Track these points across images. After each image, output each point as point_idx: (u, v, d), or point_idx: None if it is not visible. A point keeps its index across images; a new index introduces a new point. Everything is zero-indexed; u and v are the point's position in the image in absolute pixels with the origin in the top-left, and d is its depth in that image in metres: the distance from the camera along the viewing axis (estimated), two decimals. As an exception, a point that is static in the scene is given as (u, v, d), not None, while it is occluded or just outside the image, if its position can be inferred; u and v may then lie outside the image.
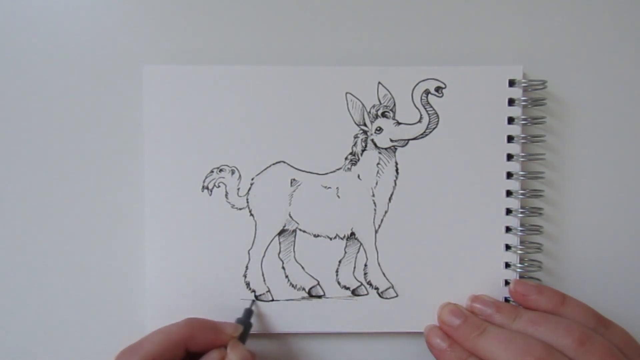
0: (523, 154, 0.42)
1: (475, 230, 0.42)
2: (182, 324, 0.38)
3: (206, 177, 0.42)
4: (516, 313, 0.39)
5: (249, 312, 0.41)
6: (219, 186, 0.42)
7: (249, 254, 0.42)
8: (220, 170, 0.42)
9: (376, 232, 0.42)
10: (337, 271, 0.42)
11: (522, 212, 0.42)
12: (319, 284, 0.42)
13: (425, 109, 0.42)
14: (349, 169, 0.42)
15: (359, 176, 0.42)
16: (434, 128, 0.42)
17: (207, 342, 0.38)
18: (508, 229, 0.42)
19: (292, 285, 0.42)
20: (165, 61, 0.42)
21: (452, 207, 0.42)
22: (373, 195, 0.42)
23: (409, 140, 0.42)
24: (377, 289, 0.42)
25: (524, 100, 0.41)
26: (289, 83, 0.42)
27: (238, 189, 0.42)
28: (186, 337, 0.37)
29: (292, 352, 0.43)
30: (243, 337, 0.40)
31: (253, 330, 0.41)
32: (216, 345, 0.38)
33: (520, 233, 0.42)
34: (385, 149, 0.42)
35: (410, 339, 0.43)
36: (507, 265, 0.42)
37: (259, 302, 0.42)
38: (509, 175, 0.42)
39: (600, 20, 0.43)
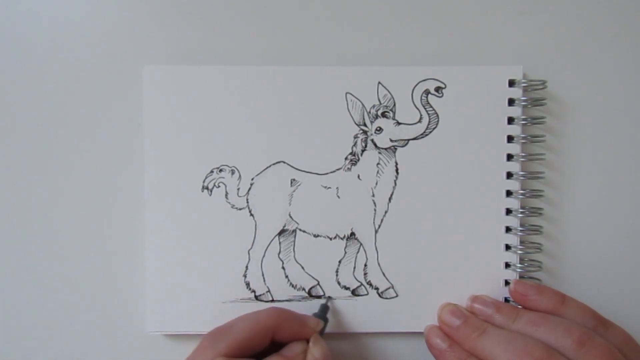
0: (523, 154, 0.42)
1: (475, 230, 0.42)
2: (271, 312, 0.38)
3: (206, 177, 0.42)
4: (516, 313, 0.39)
5: (325, 308, 0.41)
6: (219, 186, 0.42)
7: (249, 254, 0.42)
8: (220, 170, 0.42)
9: (376, 232, 0.42)
10: (337, 271, 0.42)
11: (522, 212, 0.42)
12: (319, 284, 0.42)
13: (425, 109, 0.42)
14: (349, 169, 0.42)
15: (359, 176, 0.42)
16: (434, 128, 0.42)
17: (292, 333, 0.38)
18: (508, 229, 0.42)
19: (292, 285, 0.42)
20: (165, 61, 0.42)
21: (452, 207, 0.42)
22: (373, 195, 0.42)
23: (409, 140, 0.42)
24: (377, 289, 0.42)
25: (524, 100, 0.41)
26: (289, 83, 0.42)
27: (238, 189, 0.42)
28: (274, 326, 0.37)
29: (292, 352, 0.43)
30: (321, 333, 0.40)
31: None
32: (299, 338, 0.38)
33: (520, 233, 0.42)
34: (385, 149, 0.42)
35: (410, 339, 0.43)
36: (507, 265, 0.42)
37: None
38: (509, 175, 0.42)
39: (600, 21, 0.43)
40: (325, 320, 0.41)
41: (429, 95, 0.42)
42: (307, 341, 0.38)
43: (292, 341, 0.38)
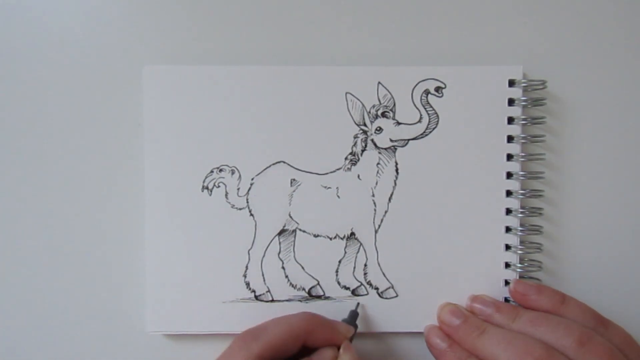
0: (523, 154, 0.42)
1: (475, 230, 0.42)
2: (304, 316, 0.38)
3: (206, 177, 0.42)
4: (516, 313, 0.39)
5: (354, 314, 0.41)
6: (219, 186, 0.42)
7: (249, 254, 0.42)
8: (220, 170, 0.42)
9: (376, 232, 0.42)
10: (337, 271, 0.42)
11: (522, 212, 0.42)
12: (319, 284, 0.42)
13: (425, 109, 0.42)
14: (349, 169, 0.42)
15: (359, 176, 0.42)
16: (434, 128, 0.42)
17: (323, 339, 0.38)
18: (508, 229, 0.42)
19: (292, 285, 0.42)
20: (165, 61, 0.42)
21: (452, 207, 0.42)
22: (373, 195, 0.42)
23: (409, 140, 0.42)
24: (377, 289, 0.42)
25: (524, 100, 0.41)
26: (289, 83, 0.42)
27: (238, 189, 0.42)
28: (306, 331, 0.37)
29: (292, 352, 0.43)
30: (351, 340, 0.40)
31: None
32: (330, 344, 0.38)
33: (520, 233, 0.42)
34: (385, 149, 0.42)
35: (410, 339, 0.43)
36: (507, 265, 0.42)
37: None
38: (509, 175, 0.42)
39: (600, 21, 0.43)
40: (355, 327, 0.41)
41: (429, 95, 0.42)
42: (337, 348, 0.38)
43: (322, 347, 0.38)
